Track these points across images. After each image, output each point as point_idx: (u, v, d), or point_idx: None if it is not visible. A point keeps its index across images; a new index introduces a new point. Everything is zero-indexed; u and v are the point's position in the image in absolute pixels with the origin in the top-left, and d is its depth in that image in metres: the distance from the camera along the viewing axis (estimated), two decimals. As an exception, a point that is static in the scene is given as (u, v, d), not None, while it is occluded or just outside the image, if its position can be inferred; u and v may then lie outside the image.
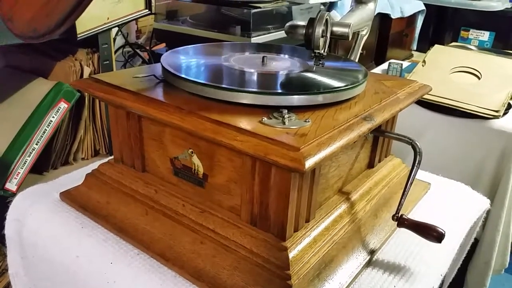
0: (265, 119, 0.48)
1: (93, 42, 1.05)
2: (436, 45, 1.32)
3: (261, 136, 0.45)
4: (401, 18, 2.06)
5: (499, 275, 1.23)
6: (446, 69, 1.21)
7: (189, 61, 0.64)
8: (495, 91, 1.12)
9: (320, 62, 0.58)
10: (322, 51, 0.57)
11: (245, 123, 0.47)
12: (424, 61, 1.26)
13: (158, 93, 0.55)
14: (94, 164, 0.68)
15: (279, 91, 0.53)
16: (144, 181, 0.61)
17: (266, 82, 0.58)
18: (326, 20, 0.56)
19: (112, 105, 0.60)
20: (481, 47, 1.73)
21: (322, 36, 0.55)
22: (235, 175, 0.52)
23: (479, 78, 1.17)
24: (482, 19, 2.08)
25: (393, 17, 1.98)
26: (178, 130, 0.54)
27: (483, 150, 1.09)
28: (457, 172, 1.07)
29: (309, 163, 0.42)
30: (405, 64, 1.50)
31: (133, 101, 0.54)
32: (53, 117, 0.97)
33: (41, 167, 1.02)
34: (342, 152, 0.58)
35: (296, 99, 0.52)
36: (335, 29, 0.58)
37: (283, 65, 0.63)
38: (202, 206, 0.55)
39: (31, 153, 0.95)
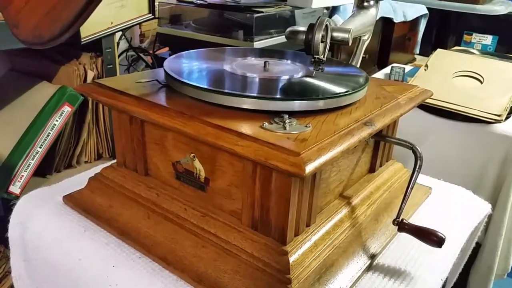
0: (266, 124, 0.49)
1: (97, 46, 1.06)
2: (438, 49, 1.32)
3: (262, 141, 0.46)
4: (404, 22, 2.07)
5: (502, 280, 1.23)
6: (449, 73, 1.21)
7: (191, 66, 0.64)
8: (498, 95, 1.12)
9: (320, 67, 0.59)
10: (322, 56, 0.57)
11: (246, 128, 0.48)
12: (426, 65, 1.26)
13: (161, 98, 0.56)
14: (97, 168, 0.69)
15: (280, 96, 0.54)
16: (146, 185, 0.61)
17: (268, 87, 0.59)
18: (326, 25, 0.56)
19: (115, 110, 0.61)
20: (484, 51, 1.72)
21: (322, 42, 0.56)
22: (236, 180, 0.52)
23: (481, 82, 1.17)
24: (485, 23, 2.08)
25: (396, 21, 1.98)
26: (180, 135, 0.55)
27: (486, 154, 1.09)
28: (459, 176, 1.07)
29: (309, 168, 0.43)
30: (408, 68, 1.50)
31: (136, 106, 0.55)
32: (57, 120, 0.98)
33: (45, 170, 1.03)
34: (343, 157, 0.58)
35: (297, 105, 0.52)
36: (335, 34, 0.59)
37: (284, 70, 0.63)
38: (203, 210, 0.56)
39: (34, 156, 0.96)
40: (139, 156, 0.61)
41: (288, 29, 0.60)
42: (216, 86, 0.54)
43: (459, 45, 2.13)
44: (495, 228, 1.10)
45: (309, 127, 0.49)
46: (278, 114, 0.50)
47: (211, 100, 0.53)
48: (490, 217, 0.78)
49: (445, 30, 2.36)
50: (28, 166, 0.95)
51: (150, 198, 0.60)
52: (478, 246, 1.13)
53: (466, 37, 2.18)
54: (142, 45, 1.54)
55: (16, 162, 0.93)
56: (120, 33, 1.32)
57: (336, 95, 0.54)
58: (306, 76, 0.61)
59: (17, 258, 0.69)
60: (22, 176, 0.95)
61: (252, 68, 0.63)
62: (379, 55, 2.05)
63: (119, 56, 1.25)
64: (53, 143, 0.99)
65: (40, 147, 0.96)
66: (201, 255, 0.53)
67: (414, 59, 2.27)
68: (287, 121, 0.49)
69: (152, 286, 0.52)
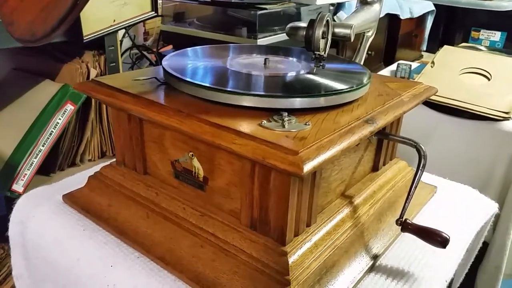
0: (264, 122, 0.48)
1: (99, 44, 1.05)
2: (445, 46, 1.30)
3: (260, 139, 0.45)
4: (410, 19, 2.05)
5: (510, 280, 1.21)
6: (456, 70, 1.19)
7: (190, 64, 0.63)
8: (505, 93, 1.10)
9: (321, 63, 0.58)
10: (323, 52, 0.56)
11: (244, 126, 0.47)
12: (433, 62, 1.24)
13: (159, 96, 0.55)
14: (98, 166, 0.68)
15: (279, 93, 0.52)
16: (145, 184, 0.61)
17: (267, 84, 0.58)
18: (328, 21, 0.55)
19: (113, 108, 0.60)
20: (492, 48, 1.70)
21: (323, 38, 0.55)
22: (235, 179, 0.51)
23: (489, 79, 1.15)
24: (493, 19, 2.05)
25: (402, 17, 1.96)
26: (178, 133, 0.54)
27: (493, 152, 1.07)
28: (466, 175, 1.06)
29: (307, 167, 0.41)
30: (414, 65, 1.48)
31: (133, 104, 0.54)
32: (60, 118, 0.98)
33: (48, 169, 1.03)
34: (344, 155, 0.57)
35: (297, 102, 0.51)
36: (337, 30, 0.58)
37: (285, 67, 0.62)
38: (202, 209, 0.55)
39: (37, 154, 0.96)
40: (138, 155, 0.61)
41: (288, 25, 0.59)
42: (214, 84, 0.53)
43: (466, 42, 2.10)
44: (503, 227, 1.08)
45: (309, 125, 0.48)
46: (277, 111, 0.49)
47: (209, 97, 0.52)
48: (498, 216, 0.76)
49: (452, 27, 2.34)
50: (31, 165, 0.95)
51: (149, 197, 0.59)
52: (485, 245, 1.11)
53: (473, 34, 2.15)
54: (146, 43, 1.53)
55: (19, 160, 0.93)
56: (123, 31, 1.31)
57: (336, 92, 0.53)
58: (307, 73, 0.60)
59: (17, 257, 0.69)
60: (25, 174, 0.95)
61: (251, 65, 0.62)
62: (385, 52, 2.03)
63: (123, 54, 1.25)
64: (56, 142, 0.99)
65: (43, 146, 0.96)
66: (199, 255, 0.52)
67: (421, 56, 2.25)
68: (286, 119, 0.48)
69: (150, 286, 0.52)
